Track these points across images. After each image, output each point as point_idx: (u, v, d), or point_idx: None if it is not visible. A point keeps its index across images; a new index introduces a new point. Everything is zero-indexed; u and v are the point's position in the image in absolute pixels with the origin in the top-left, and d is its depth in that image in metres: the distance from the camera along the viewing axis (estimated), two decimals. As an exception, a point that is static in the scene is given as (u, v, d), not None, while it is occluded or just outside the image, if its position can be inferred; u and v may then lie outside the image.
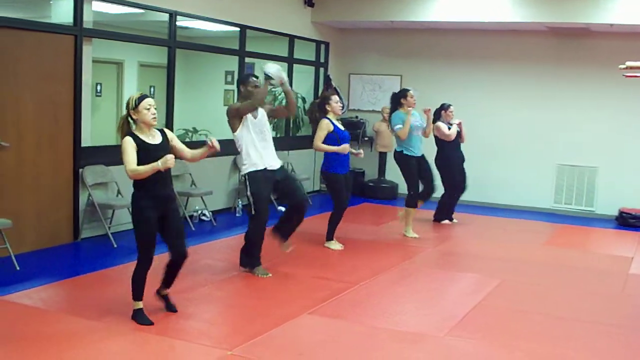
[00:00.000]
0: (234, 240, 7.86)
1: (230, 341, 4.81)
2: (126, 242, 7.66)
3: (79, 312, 5.27)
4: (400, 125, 8.21)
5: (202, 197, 9.15)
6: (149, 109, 4.95)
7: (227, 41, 10.51)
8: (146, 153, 4.91)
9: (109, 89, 12.03)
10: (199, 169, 9.14)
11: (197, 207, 9.24)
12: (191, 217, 9.10)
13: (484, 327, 5.38)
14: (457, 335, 5.15)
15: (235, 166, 10.08)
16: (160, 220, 5.06)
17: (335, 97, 7.72)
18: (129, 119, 5.01)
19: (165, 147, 5.04)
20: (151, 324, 5.03)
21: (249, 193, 6.48)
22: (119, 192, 7.94)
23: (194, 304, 5.61)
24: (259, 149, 6.50)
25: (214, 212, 9.43)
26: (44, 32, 7.14)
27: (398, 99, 8.41)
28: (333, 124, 7.55)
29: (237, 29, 10.03)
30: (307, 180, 11.47)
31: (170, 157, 4.89)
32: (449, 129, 9.26)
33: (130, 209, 5.15)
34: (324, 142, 7.49)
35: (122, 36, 8.83)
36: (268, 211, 6.62)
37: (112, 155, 8.01)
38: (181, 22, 9.10)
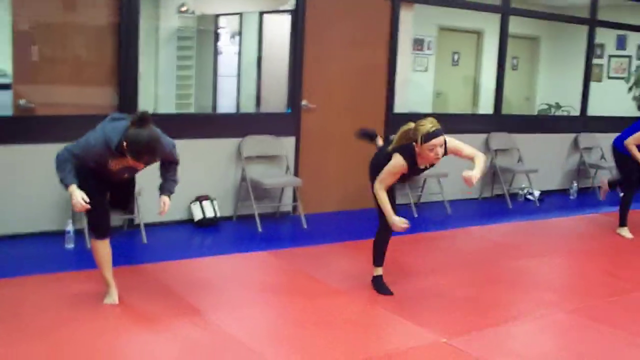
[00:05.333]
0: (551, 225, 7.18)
1: (449, 330, 4.30)
2: (429, 214, 7.52)
3: (319, 278, 5.17)
4: None
5: (526, 175, 8.51)
6: (432, 149, 4.42)
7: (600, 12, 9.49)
8: (412, 171, 4.67)
9: (467, 59, 11.84)
10: (529, 144, 8.58)
11: (523, 185, 8.63)
12: (515, 195, 8.56)
13: None
14: None
15: (576, 146, 9.23)
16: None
17: None
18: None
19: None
20: (390, 293, 4.80)
21: None
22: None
23: (428, 284, 5.21)
24: None
25: (544, 193, 8.76)
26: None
27: None
28: None
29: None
30: None
31: None
32: None
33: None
34: None
35: (448, 2, 8.23)
36: None
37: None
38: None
